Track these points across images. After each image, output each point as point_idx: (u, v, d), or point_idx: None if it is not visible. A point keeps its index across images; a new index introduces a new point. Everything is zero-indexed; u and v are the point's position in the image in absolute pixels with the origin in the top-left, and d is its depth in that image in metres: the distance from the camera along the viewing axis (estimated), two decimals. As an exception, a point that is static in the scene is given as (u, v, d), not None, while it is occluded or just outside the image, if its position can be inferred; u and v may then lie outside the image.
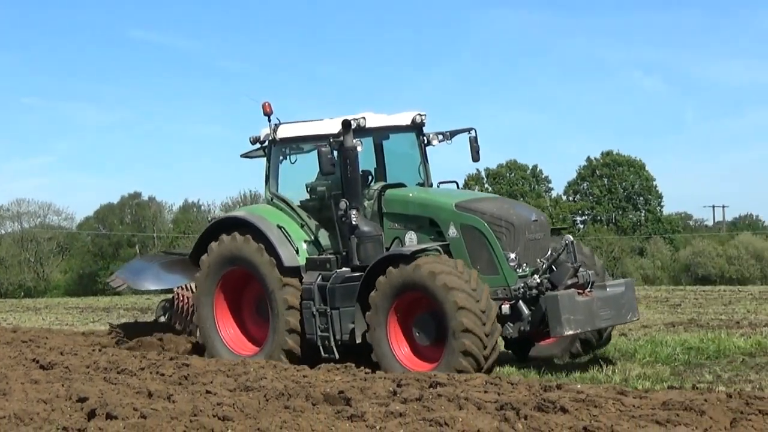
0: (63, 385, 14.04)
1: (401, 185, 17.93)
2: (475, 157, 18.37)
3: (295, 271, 17.22)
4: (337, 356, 16.63)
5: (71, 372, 16.09)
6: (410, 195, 17.44)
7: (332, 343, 16.71)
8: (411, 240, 16.88)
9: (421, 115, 18.08)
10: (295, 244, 17.31)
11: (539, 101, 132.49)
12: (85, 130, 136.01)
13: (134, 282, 21.50)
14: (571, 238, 16.16)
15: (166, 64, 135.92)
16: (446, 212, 16.55)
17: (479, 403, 11.54)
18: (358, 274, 16.62)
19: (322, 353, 16.82)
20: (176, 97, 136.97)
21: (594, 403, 11.32)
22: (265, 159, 18.40)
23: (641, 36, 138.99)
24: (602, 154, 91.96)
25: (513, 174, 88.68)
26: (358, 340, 16.36)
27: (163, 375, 15.25)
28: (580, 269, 15.84)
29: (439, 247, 16.04)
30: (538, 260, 16.10)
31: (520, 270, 16.01)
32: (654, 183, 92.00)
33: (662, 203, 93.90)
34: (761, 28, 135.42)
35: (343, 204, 16.80)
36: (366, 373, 14.98)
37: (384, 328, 15.84)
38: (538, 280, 15.70)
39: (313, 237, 17.61)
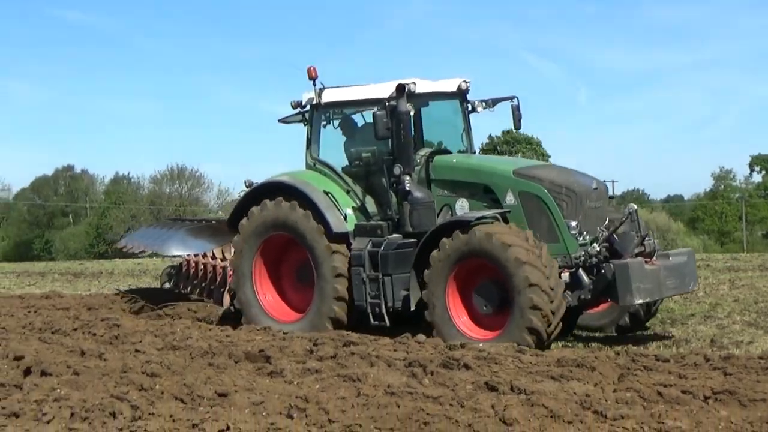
0: (0, 345, 13.84)
1: (448, 152, 16.66)
2: (517, 125, 17.07)
3: (343, 237, 15.80)
4: (388, 323, 15.30)
5: (8, 332, 15.86)
6: (462, 161, 16.12)
7: (383, 310, 15.29)
8: (462, 207, 15.55)
9: (466, 81, 16.73)
10: (343, 210, 15.97)
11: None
12: (18, 105, 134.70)
13: (159, 248, 19.80)
14: (635, 207, 15.01)
15: (92, 41, 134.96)
16: (504, 179, 15.14)
17: (389, 361, 11.57)
18: (410, 240, 15.37)
19: (372, 320, 15.42)
20: (103, 74, 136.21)
21: (495, 360, 11.41)
22: (302, 124, 17.08)
23: (537, 22, 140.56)
24: (503, 132, 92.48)
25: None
26: (413, 308, 14.98)
27: (95, 335, 15.07)
28: (647, 238, 14.84)
29: (498, 214, 14.67)
30: (598, 229, 14.86)
31: (581, 238, 14.68)
32: (549, 159, 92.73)
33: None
34: (648, 15, 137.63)
35: (397, 169, 15.50)
36: (284, 333, 14.92)
37: (443, 295, 14.41)
38: (598, 249, 14.53)
39: (359, 203, 16.23)
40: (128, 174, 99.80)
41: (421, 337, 13.85)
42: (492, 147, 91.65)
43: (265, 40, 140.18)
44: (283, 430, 8.38)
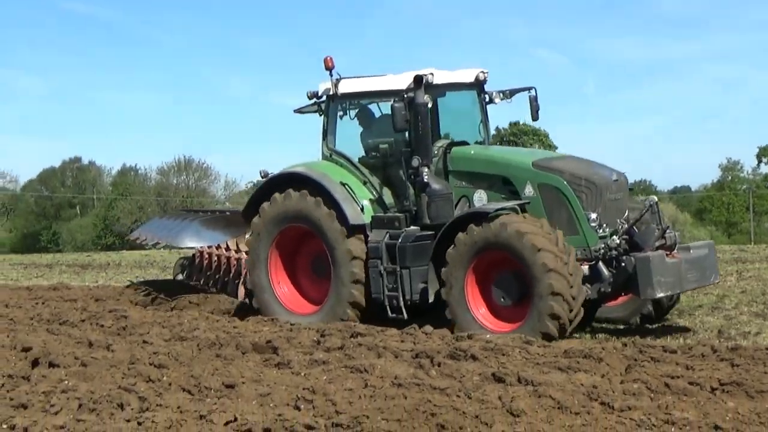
0: (8, 336, 13.87)
1: (465, 143, 16.43)
2: (535, 116, 16.91)
3: (360, 229, 15.63)
4: (405, 316, 15.11)
5: (16, 324, 15.91)
6: (480, 153, 15.93)
7: (401, 303, 15.15)
8: (480, 199, 15.37)
9: (484, 72, 16.52)
10: (360, 202, 15.77)
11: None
12: (24, 97, 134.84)
13: (173, 240, 19.69)
14: (656, 199, 14.90)
15: (99, 33, 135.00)
16: (523, 171, 14.99)
17: (396, 352, 11.58)
18: (428, 232, 15.21)
19: (389, 313, 15.27)
20: (110, 65, 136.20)
21: (502, 352, 11.41)
22: (317, 114, 16.90)
23: (545, 14, 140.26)
24: (510, 124, 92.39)
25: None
26: (431, 300, 14.89)
27: (102, 326, 15.09)
28: (668, 230, 14.60)
29: (516, 206, 14.54)
30: (618, 221, 14.63)
31: (601, 231, 14.50)
32: (557, 151, 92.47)
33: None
34: (656, 6, 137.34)
35: (415, 161, 15.29)
36: (292, 325, 14.92)
37: (462, 287, 14.32)
38: (618, 241, 14.37)
39: (376, 195, 16.05)
40: (135, 165, 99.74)
41: (428, 328, 13.83)
42: (499, 139, 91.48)
43: (271, 31, 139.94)
44: (291, 422, 8.38)
